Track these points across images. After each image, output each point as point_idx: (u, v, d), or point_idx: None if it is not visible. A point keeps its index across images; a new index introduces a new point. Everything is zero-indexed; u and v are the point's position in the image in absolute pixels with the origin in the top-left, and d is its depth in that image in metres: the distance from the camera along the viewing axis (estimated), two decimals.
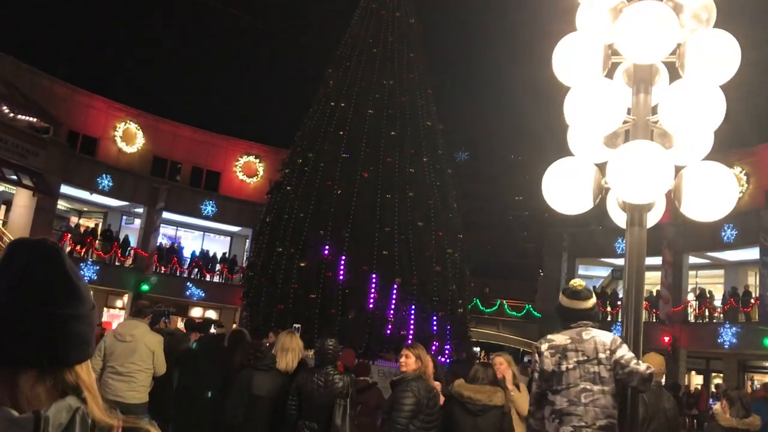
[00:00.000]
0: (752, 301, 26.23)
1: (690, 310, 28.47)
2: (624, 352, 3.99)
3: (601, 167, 3.98)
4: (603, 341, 4.16)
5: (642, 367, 3.94)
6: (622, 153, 3.62)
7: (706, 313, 27.84)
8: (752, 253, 25.88)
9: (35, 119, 27.96)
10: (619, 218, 4.05)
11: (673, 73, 4.01)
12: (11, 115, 26.87)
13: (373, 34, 22.62)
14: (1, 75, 26.91)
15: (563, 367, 4.28)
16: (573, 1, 4.24)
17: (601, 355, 4.12)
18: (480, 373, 5.80)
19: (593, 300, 4.47)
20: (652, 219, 3.95)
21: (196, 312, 32.15)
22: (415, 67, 22.81)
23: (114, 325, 27.27)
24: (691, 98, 3.59)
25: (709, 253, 28.78)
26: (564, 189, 3.86)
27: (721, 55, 3.75)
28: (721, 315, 27.21)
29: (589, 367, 4.13)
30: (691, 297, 28.91)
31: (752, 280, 28.14)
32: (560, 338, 4.36)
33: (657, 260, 27.08)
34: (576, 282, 4.47)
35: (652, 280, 28.49)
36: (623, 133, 3.93)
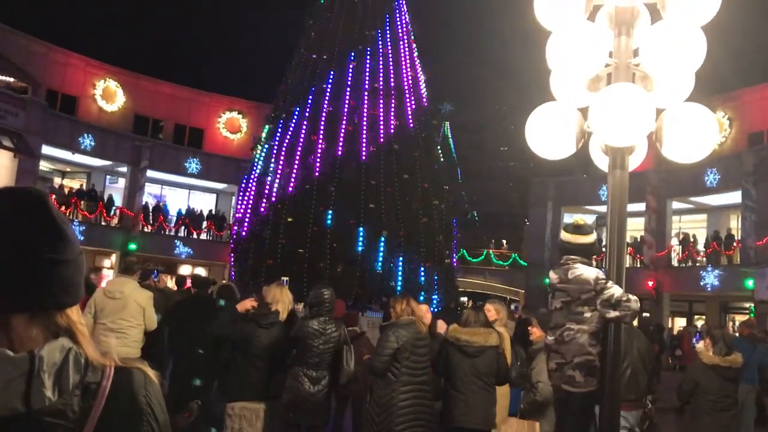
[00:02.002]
0: (734, 244, 26.64)
1: (674, 254, 28.89)
2: (613, 291, 4.06)
3: (584, 111, 4.00)
4: (587, 279, 4.25)
5: (632, 303, 4.05)
6: (603, 96, 3.64)
7: (689, 258, 28.27)
8: (735, 197, 26.18)
9: (12, 79, 27.46)
10: (603, 162, 4.09)
11: (655, 15, 4.00)
12: None
13: None
14: None
15: (552, 307, 4.45)
16: None
17: (584, 296, 4.23)
18: (472, 317, 5.96)
19: (594, 235, 4.53)
20: (634, 162, 3.98)
21: (184, 270, 32.21)
22: (397, 15, 22.53)
23: (103, 284, 27.37)
24: (671, 40, 3.59)
25: (692, 198, 29.08)
26: (546, 134, 3.88)
27: None
28: (704, 259, 27.65)
29: (573, 308, 4.25)
30: (674, 242, 29.29)
31: (734, 224, 28.54)
32: (553, 276, 4.53)
33: (641, 206, 27.33)
34: (578, 218, 4.64)
35: (636, 226, 28.82)
36: (605, 76, 3.93)
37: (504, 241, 38.96)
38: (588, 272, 4.30)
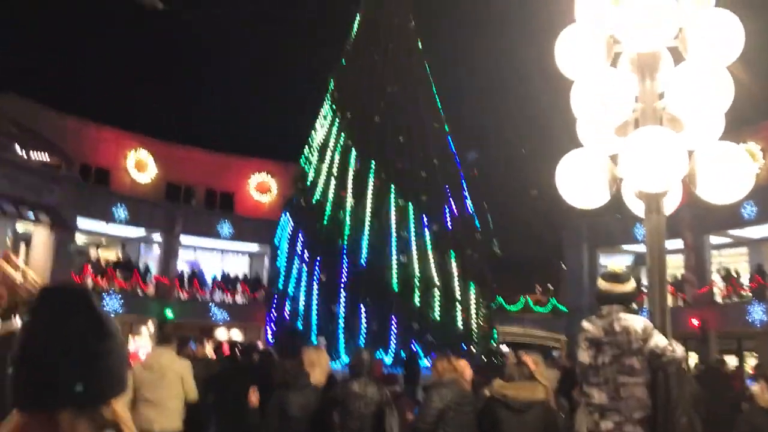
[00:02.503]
0: None
1: (716, 290, 28.13)
2: (657, 340, 3.94)
3: (614, 157, 3.95)
4: (635, 329, 4.08)
5: (678, 352, 3.91)
6: (632, 141, 3.58)
7: (733, 293, 27.48)
8: None
9: (47, 156, 28.25)
10: (636, 207, 4.01)
11: (678, 57, 3.96)
12: (23, 154, 27.19)
13: (373, 42, 22.69)
14: (10, 115, 27.24)
15: (599, 361, 4.22)
16: None
17: (635, 346, 4.04)
18: (515, 371, 5.78)
19: (633, 284, 4.37)
20: (670, 205, 3.90)
21: (221, 333, 32.28)
22: (419, 70, 22.86)
23: (141, 354, 27.51)
24: (696, 82, 3.54)
25: (731, 232, 28.44)
26: (578, 183, 3.83)
27: (723, 36, 3.70)
28: (749, 293, 26.86)
29: (625, 360, 4.06)
30: (716, 278, 28.57)
31: None
32: (594, 329, 4.28)
33: (678, 243, 26.81)
34: (615, 265, 4.48)
35: (675, 264, 28.21)
36: (633, 121, 3.89)
37: (543, 287, 38.39)
38: (635, 322, 4.14)
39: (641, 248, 31.48)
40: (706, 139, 3.81)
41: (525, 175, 51.14)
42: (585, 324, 4.30)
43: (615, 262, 34.17)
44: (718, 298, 28.08)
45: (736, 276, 27.85)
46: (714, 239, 28.92)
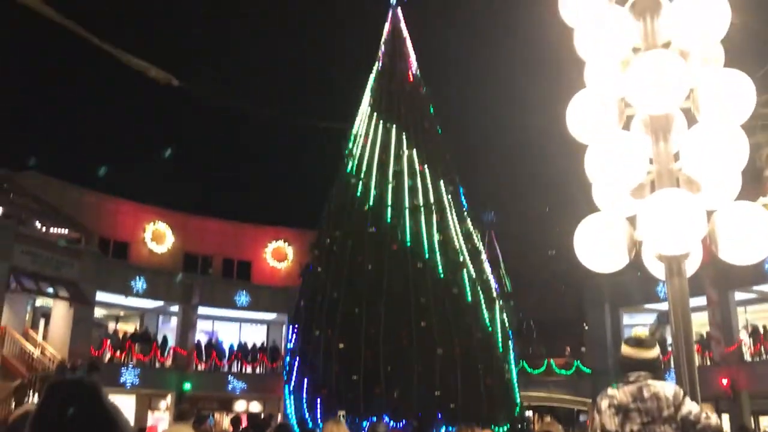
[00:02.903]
0: None
1: (745, 348, 27.44)
2: (690, 407, 3.79)
3: (631, 219, 3.89)
4: (666, 396, 3.93)
5: (713, 420, 3.76)
6: (650, 204, 3.53)
7: (763, 350, 26.78)
8: None
9: (66, 231, 28.60)
10: (657, 269, 3.93)
11: (690, 117, 3.95)
12: (43, 229, 27.56)
13: (386, 108, 23.02)
14: (31, 191, 27.74)
15: (627, 430, 4.04)
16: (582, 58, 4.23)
17: (665, 413, 3.88)
18: None
19: (657, 349, 4.23)
20: (691, 267, 3.81)
21: (240, 405, 31.82)
22: (432, 134, 23.09)
23: (159, 429, 27.07)
24: (711, 142, 3.51)
25: (756, 287, 27.93)
26: (597, 247, 3.76)
27: (735, 95, 3.69)
28: None
29: (655, 429, 3.90)
30: (743, 335, 27.91)
31: None
32: (621, 395, 4.09)
33: (701, 300, 26.32)
34: (639, 330, 4.30)
35: (700, 321, 27.64)
36: (649, 183, 3.84)
37: (567, 348, 37.64)
38: (666, 388, 3.98)
39: (664, 306, 30.97)
40: (724, 199, 3.75)
41: (543, 236, 50.94)
42: (611, 390, 4.13)
43: (638, 321, 33.61)
44: (747, 356, 27.36)
45: (763, 333, 27.21)
46: (739, 295, 28.39)
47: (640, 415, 4.00)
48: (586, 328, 35.14)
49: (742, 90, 3.70)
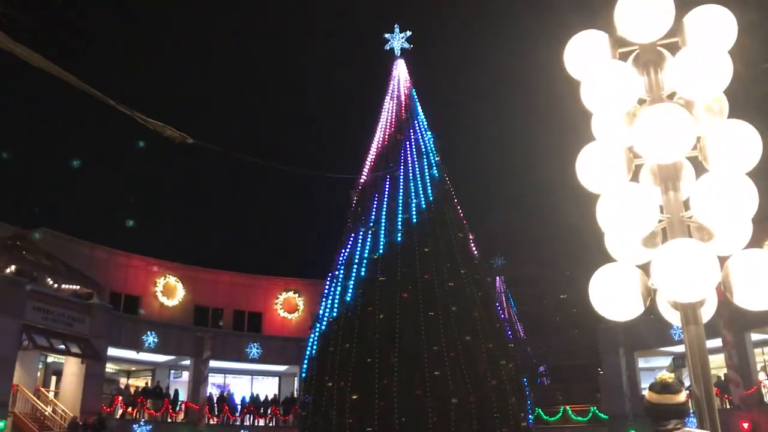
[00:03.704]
0: None
1: (764, 390, 26.96)
2: None
3: (644, 267, 3.93)
4: None
5: None
6: (663, 254, 3.58)
7: None
8: None
9: (78, 287, 28.70)
10: (672, 316, 3.95)
11: (698, 165, 4.02)
12: (55, 285, 27.66)
13: (393, 157, 23.25)
14: (42, 248, 27.95)
15: None
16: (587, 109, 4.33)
17: None
18: None
19: (684, 393, 4.13)
20: (707, 313, 3.83)
21: None
22: (440, 182, 23.23)
23: None
24: (721, 191, 3.58)
25: None
26: (612, 297, 3.80)
27: (741, 144, 3.78)
28: None
29: None
30: (762, 376, 27.46)
31: None
32: None
33: (717, 342, 25.99)
34: (664, 374, 4.07)
35: (717, 363, 27.25)
36: (660, 231, 3.90)
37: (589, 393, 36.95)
38: None
39: (679, 348, 30.59)
40: (736, 246, 3.79)
41: (554, 280, 50.72)
42: None
43: (654, 364, 33.15)
44: (767, 398, 26.87)
45: None
46: (755, 336, 28.02)
47: None
48: (601, 372, 34.66)
49: (747, 139, 3.78)
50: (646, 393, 4.09)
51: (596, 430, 32.34)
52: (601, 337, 33.15)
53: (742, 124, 3.85)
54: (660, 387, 3.96)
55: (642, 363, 32.30)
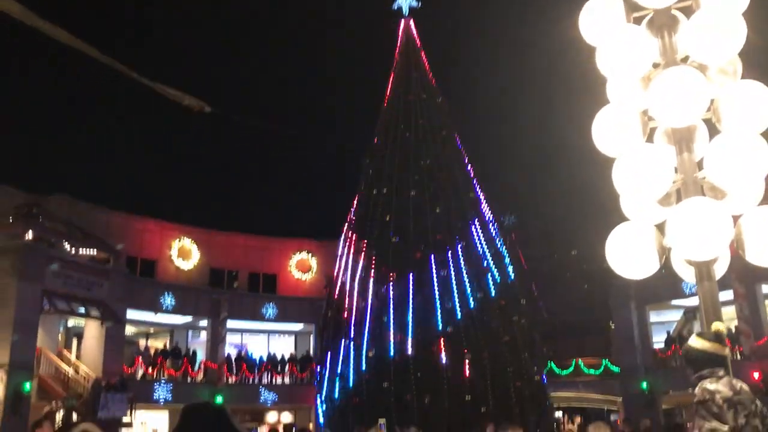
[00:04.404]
0: None
1: None
2: (760, 402, 3.87)
3: (659, 226, 4.07)
4: (748, 390, 3.85)
5: None
6: (678, 213, 3.71)
7: None
8: None
9: (95, 251, 29.11)
10: (686, 273, 4.10)
11: (711, 127, 4.13)
12: (73, 251, 28.08)
13: (404, 119, 23.26)
14: (59, 214, 28.31)
15: (739, 423, 3.81)
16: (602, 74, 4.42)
17: (753, 407, 3.83)
18: None
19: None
20: (720, 270, 3.98)
21: (271, 417, 32.10)
22: (449, 142, 23.26)
23: None
24: (734, 152, 3.69)
25: None
26: (628, 255, 3.95)
27: (754, 105, 3.87)
28: None
29: (753, 421, 3.82)
30: None
31: None
32: (723, 388, 3.85)
33: (729, 294, 26.17)
34: (717, 324, 4.00)
35: (728, 315, 27.46)
36: (675, 192, 4.03)
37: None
38: (743, 383, 3.94)
39: (690, 302, 30.82)
40: (750, 204, 3.92)
41: (565, 236, 50.80)
42: (712, 386, 3.85)
43: (665, 318, 33.43)
44: None
45: None
46: (766, 289, 28.17)
47: (743, 408, 3.84)
48: (613, 326, 35.00)
49: (760, 101, 3.88)
50: (692, 340, 4.02)
51: (608, 382, 32.83)
52: (613, 292, 33.37)
53: (756, 84, 3.94)
54: (714, 337, 3.94)
55: (653, 317, 32.56)
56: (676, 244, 3.75)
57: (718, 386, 3.82)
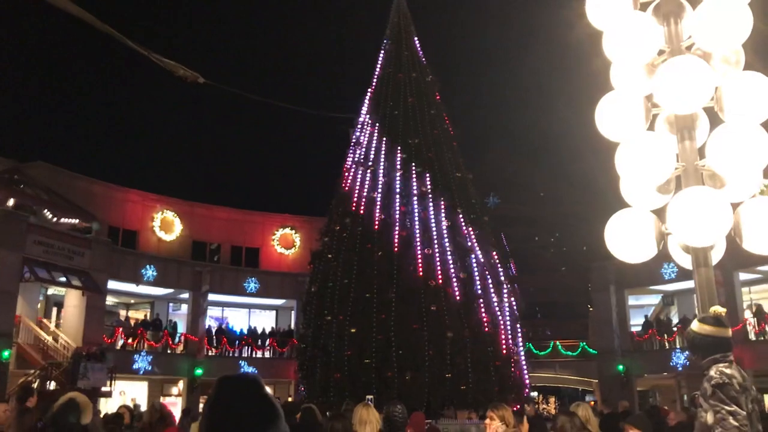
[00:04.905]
0: None
1: (749, 327, 27.77)
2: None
3: (657, 212, 4.13)
4: (746, 376, 3.91)
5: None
6: (680, 200, 3.77)
7: (767, 329, 27.10)
8: None
9: (77, 220, 28.86)
10: (683, 260, 4.17)
11: (712, 115, 4.18)
12: (54, 219, 27.81)
13: (393, 97, 23.18)
14: (41, 182, 27.99)
15: (747, 409, 3.81)
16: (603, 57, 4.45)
17: (753, 393, 3.92)
18: (567, 424, 5.78)
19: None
20: (716, 257, 4.06)
21: None
22: (438, 122, 23.23)
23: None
24: (735, 140, 3.75)
25: (760, 267, 28.18)
26: (628, 240, 4.01)
27: (756, 96, 3.92)
28: None
29: (754, 406, 3.88)
30: (748, 314, 28.23)
31: None
32: (736, 374, 3.85)
33: None
34: (717, 308, 4.02)
35: None
36: (674, 178, 4.08)
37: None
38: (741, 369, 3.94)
39: (668, 287, 31.31)
40: (747, 193, 3.99)
41: (548, 220, 51.19)
42: (728, 370, 3.84)
43: (643, 302, 33.94)
44: (752, 335, 27.71)
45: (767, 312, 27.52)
46: (743, 276, 28.64)
47: (749, 392, 3.88)
48: (591, 309, 35.47)
49: (763, 91, 3.93)
50: (695, 326, 4.01)
51: (584, 364, 33.36)
52: (593, 275, 33.77)
53: (758, 75, 3.99)
54: (714, 320, 3.94)
55: (632, 300, 33.04)
56: (676, 230, 3.81)
57: (733, 371, 3.81)
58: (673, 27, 4.20)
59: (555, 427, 5.84)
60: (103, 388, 24.54)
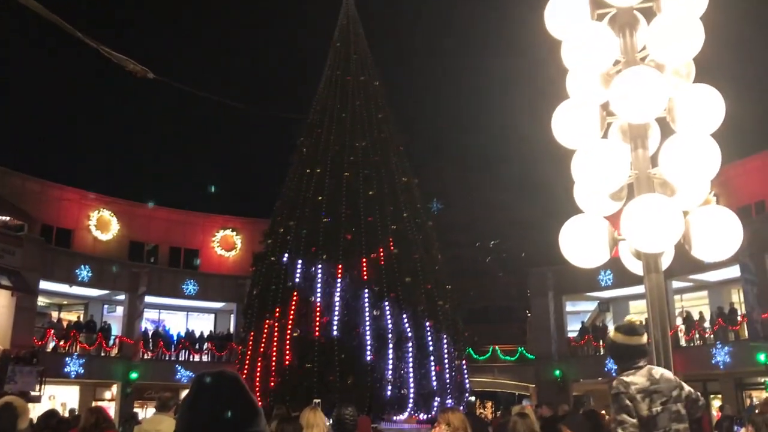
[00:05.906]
0: (739, 318, 26.59)
1: (680, 334, 28.74)
2: (689, 387, 4.10)
3: (609, 218, 4.22)
4: (670, 378, 4.14)
5: (702, 400, 4.09)
6: (634, 207, 3.86)
7: (697, 336, 28.11)
8: (733, 271, 26.34)
9: (8, 218, 27.78)
10: (634, 266, 4.27)
11: (663, 125, 4.30)
12: None
13: (341, 99, 23.11)
14: None
15: (654, 411, 4.09)
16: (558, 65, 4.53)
17: (674, 393, 4.12)
18: (519, 426, 5.88)
19: (646, 335, 4.38)
20: (665, 263, 4.17)
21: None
22: (385, 126, 23.27)
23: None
24: (687, 150, 3.87)
25: (692, 276, 29.19)
26: (581, 245, 4.08)
27: (707, 108, 4.06)
28: (712, 336, 27.50)
29: (671, 407, 4.10)
30: (678, 321, 29.21)
31: (736, 298, 28.56)
32: (640, 379, 4.12)
33: (640, 289, 27.37)
34: (632, 317, 4.34)
35: (639, 309, 28.77)
36: (627, 186, 4.18)
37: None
38: (666, 371, 4.21)
39: (604, 294, 32.15)
40: (695, 202, 4.11)
41: (488, 226, 51.88)
42: (628, 378, 4.13)
43: (580, 308, 34.74)
44: (683, 342, 28.67)
45: (698, 319, 28.52)
46: (676, 284, 29.60)
47: (659, 395, 4.10)
48: (530, 315, 36.09)
49: (713, 103, 4.07)
50: (611, 334, 4.34)
51: (522, 369, 33.90)
52: (532, 281, 34.41)
53: (708, 87, 4.13)
54: (626, 329, 4.24)
55: (569, 306, 33.78)
56: (629, 236, 3.90)
57: (634, 378, 4.08)
58: (628, 38, 4.31)
59: (508, 427, 5.94)
60: (33, 393, 23.63)
